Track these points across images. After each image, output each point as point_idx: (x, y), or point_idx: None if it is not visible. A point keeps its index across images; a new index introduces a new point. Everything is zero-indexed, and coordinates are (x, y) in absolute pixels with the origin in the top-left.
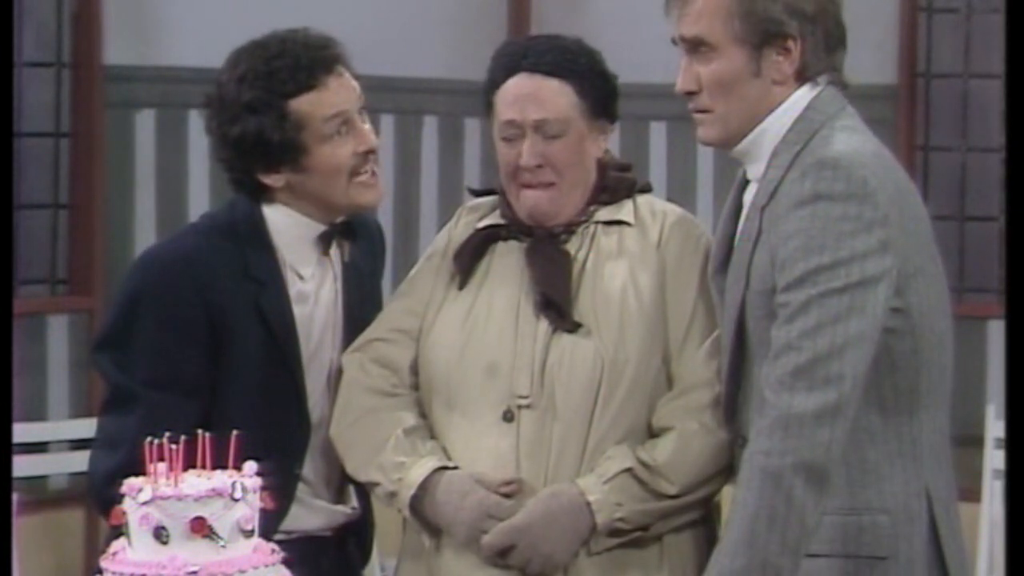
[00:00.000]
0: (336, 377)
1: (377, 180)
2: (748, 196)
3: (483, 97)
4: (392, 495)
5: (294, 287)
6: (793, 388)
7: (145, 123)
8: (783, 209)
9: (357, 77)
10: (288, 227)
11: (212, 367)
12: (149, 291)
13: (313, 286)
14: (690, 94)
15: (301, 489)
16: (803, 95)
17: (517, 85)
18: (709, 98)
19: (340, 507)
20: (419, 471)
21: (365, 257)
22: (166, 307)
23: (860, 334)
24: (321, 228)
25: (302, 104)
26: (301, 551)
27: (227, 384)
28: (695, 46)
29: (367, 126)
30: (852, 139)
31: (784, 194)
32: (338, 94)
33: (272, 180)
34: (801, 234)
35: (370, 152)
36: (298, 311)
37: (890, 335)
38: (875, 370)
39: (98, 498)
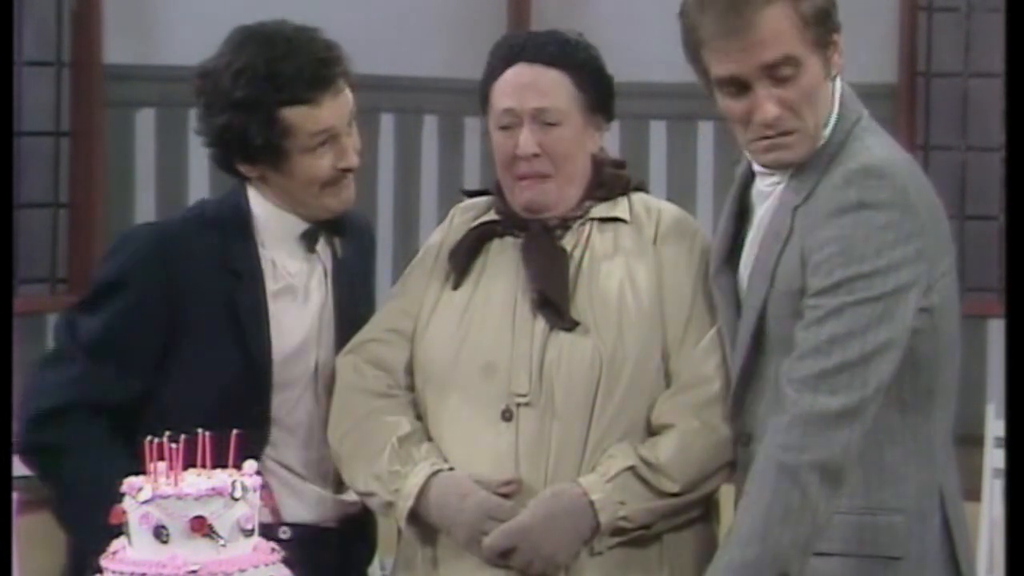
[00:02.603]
0: (326, 375)
1: (348, 185)
2: (759, 194)
3: (480, 89)
4: (389, 505)
5: (278, 283)
6: (817, 389)
7: (145, 122)
8: (823, 214)
9: (354, 88)
10: (273, 222)
11: (163, 351)
12: (119, 267)
13: (299, 284)
14: (778, 121)
15: (296, 481)
16: (833, 91)
17: (516, 74)
18: (795, 118)
19: (341, 497)
20: (415, 480)
21: (356, 256)
22: (132, 284)
23: (888, 342)
24: (305, 225)
25: (292, 115)
26: (305, 544)
27: (178, 374)
28: (774, 70)
29: (352, 139)
30: (887, 145)
31: (823, 198)
32: (330, 111)
33: (247, 170)
34: (842, 241)
35: (349, 170)
36: (282, 306)
37: (914, 335)
38: (898, 371)
39: (20, 448)
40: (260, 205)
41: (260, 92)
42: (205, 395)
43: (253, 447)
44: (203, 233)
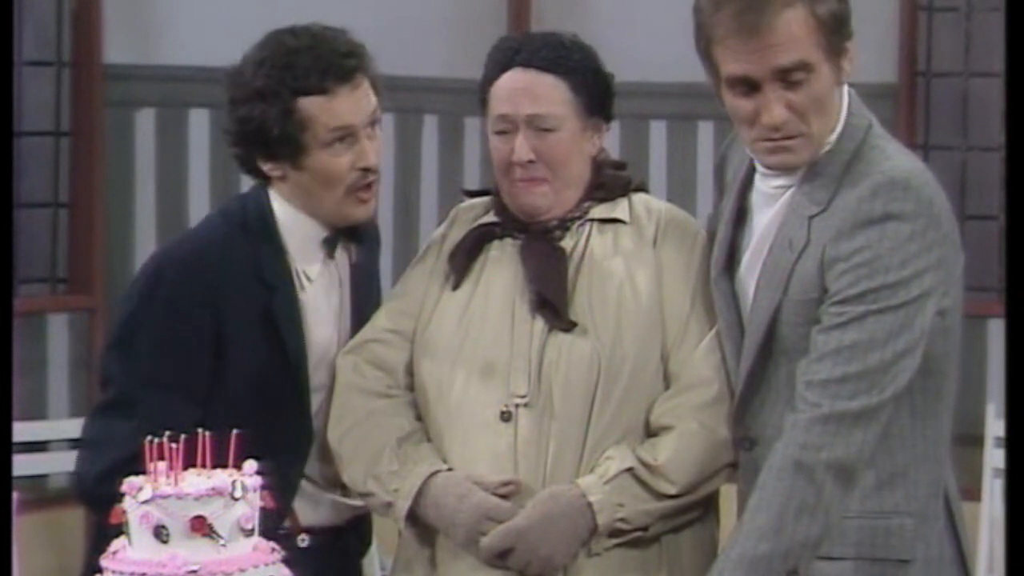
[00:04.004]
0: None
1: (371, 196)
2: (761, 196)
3: (479, 93)
4: (388, 506)
5: (303, 289)
6: (837, 393)
7: (145, 123)
8: (848, 225)
9: (379, 92)
10: (296, 227)
11: (214, 371)
12: (159, 290)
13: (320, 290)
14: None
15: (312, 489)
16: (841, 97)
17: (511, 80)
18: (802, 122)
19: (346, 500)
20: (414, 480)
21: (368, 259)
22: (174, 307)
23: (907, 349)
24: (326, 231)
25: (310, 105)
26: (311, 544)
27: (225, 389)
28: (787, 73)
29: (374, 143)
30: (906, 154)
31: (847, 209)
32: (347, 105)
33: (269, 169)
34: (868, 251)
35: (368, 170)
36: (309, 319)
37: (929, 339)
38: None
39: (90, 499)
40: (283, 208)
41: (277, 81)
42: (251, 407)
43: (296, 455)
44: (235, 245)
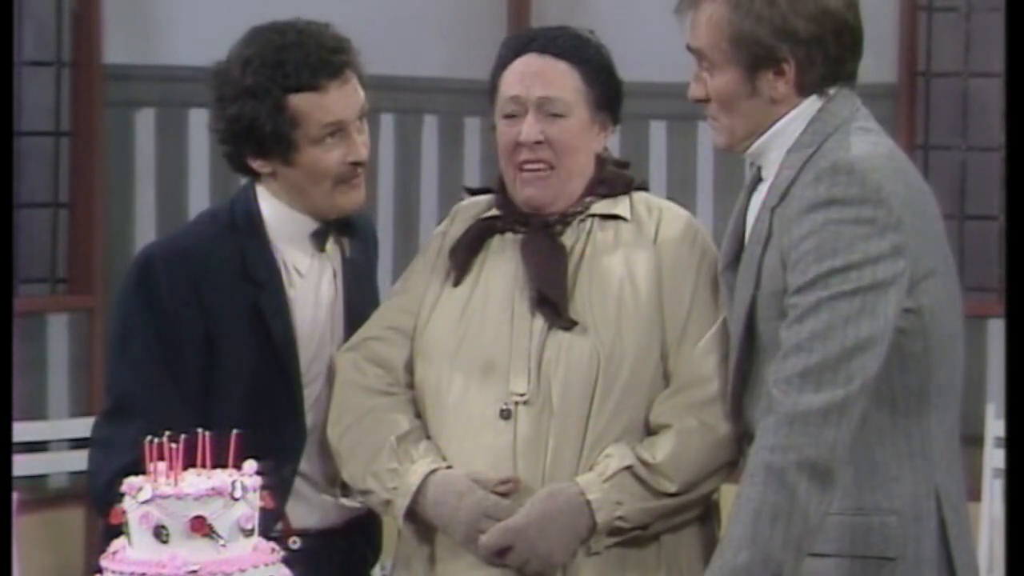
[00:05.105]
0: (332, 375)
1: (360, 184)
2: (758, 195)
3: (489, 81)
4: (387, 503)
5: (293, 284)
6: (801, 388)
7: (145, 122)
8: (796, 212)
9: (365, 86)
10: (284, 223)
11: (205, 369)
12: (147, 290)
13: (311, 284)
14: (700, 101)
15: (306, 488)
16: (812, 103)
17: (524, 63)
18: (716, 109)
19: (345, 501)
20: (413, 478)
21: (361, 254)
22: (162, 306)
23: (870, 337)
24: (315, 225)
25: (300, 102)
26: (312, 547)
27: (217, 387)
28: (700, 57)
29: (363, 136)
30: (866, 142)
31: (797, 197)
32: (338, 101)
33: (259, 166)
34: (814, 237)
35: (358, 164)
36: (300, 314)
37: (901, 335)
38: (885, 370)
39: (100, 501)
40: (270, 204)
41: (267, 79)
42: (243, 405)
43: (290, 454)
44: (221, 243)
